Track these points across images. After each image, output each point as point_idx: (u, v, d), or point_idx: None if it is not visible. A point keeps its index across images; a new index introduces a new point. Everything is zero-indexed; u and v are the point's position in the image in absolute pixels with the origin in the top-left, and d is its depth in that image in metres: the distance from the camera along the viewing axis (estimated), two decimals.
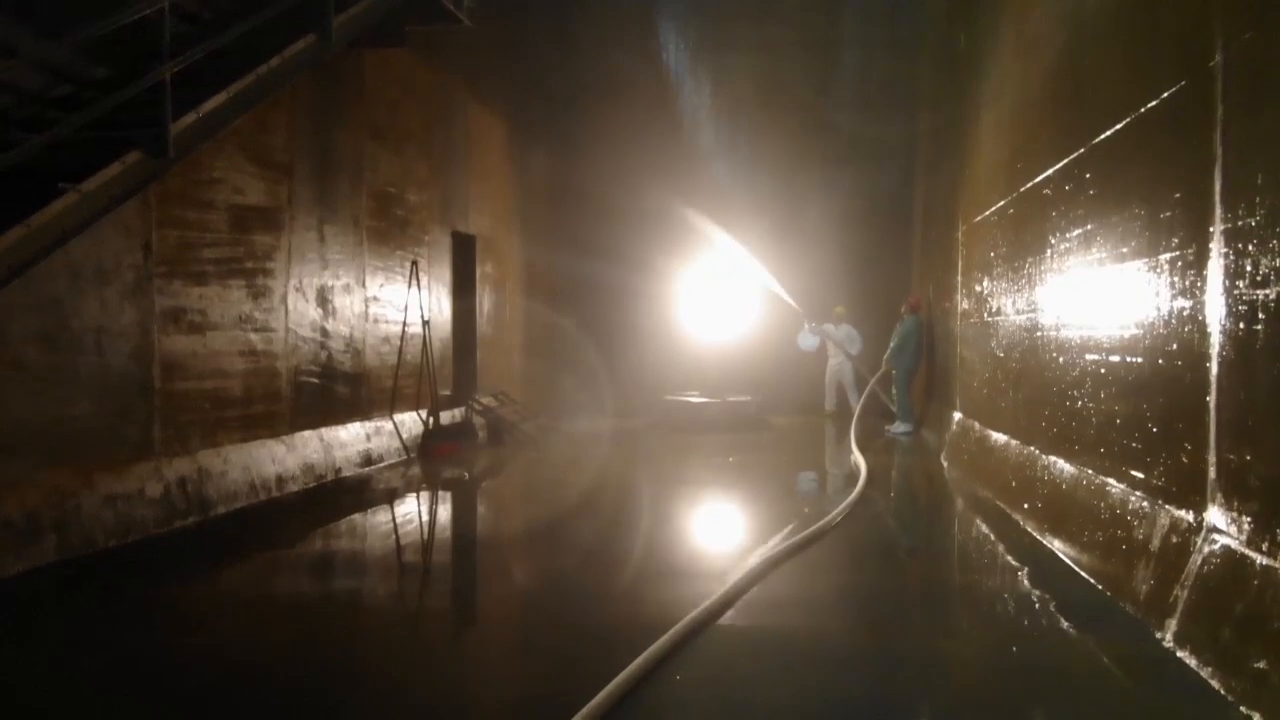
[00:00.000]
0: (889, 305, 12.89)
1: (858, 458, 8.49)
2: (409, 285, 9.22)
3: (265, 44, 5.19)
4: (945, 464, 8.64)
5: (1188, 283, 3.62)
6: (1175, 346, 3.75)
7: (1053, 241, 5.65)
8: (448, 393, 10.13)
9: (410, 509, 7.03)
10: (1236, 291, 3.22)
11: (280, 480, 6.82)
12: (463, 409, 10.28)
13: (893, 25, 13.72)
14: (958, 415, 8.94)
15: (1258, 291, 3.08)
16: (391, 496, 7.24)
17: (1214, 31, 3.44)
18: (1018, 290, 6.60)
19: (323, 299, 7.61)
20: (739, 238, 13.73)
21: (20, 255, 3.40)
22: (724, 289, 14.02)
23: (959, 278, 9.10)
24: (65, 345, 4.92)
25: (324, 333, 7.66)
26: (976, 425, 7.97)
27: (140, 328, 5.49)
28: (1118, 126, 4.46)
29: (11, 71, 4.44)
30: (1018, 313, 6.59)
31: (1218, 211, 3.36)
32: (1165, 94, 3.90)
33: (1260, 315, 3.06)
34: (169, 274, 5.72)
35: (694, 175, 13.95)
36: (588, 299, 13.86)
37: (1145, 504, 4.02)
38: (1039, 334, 5.93)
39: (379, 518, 6.64)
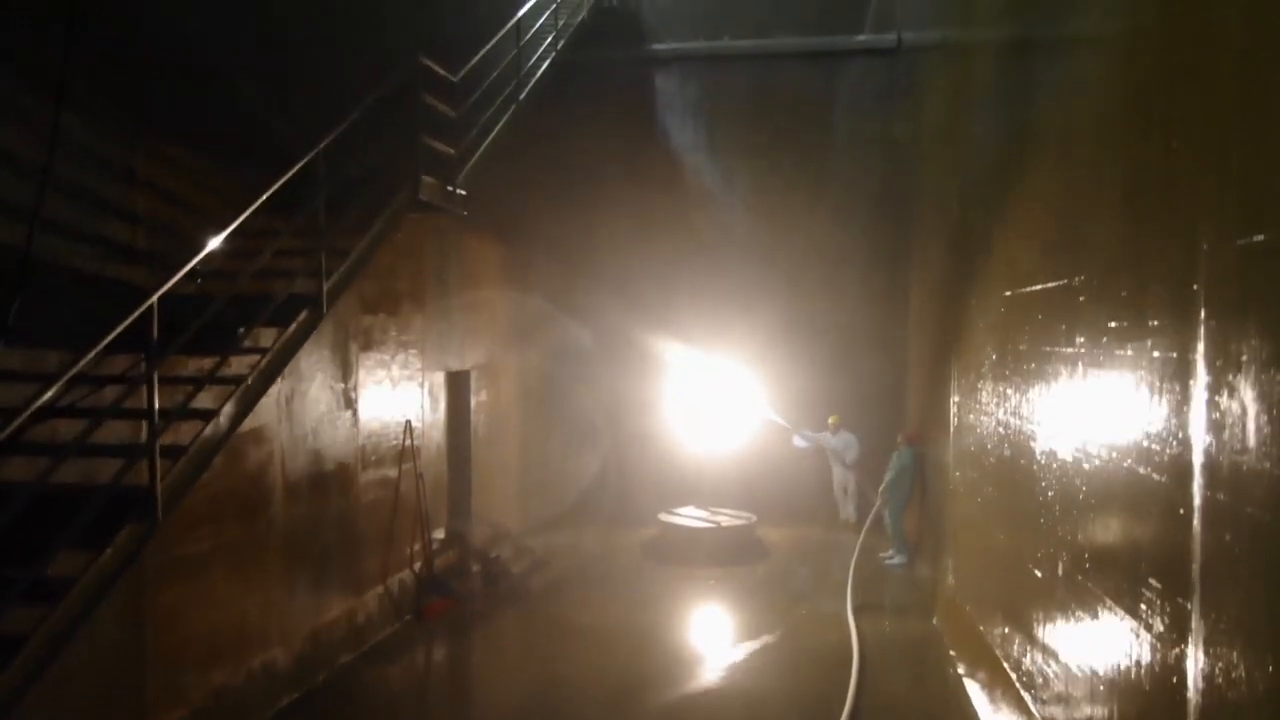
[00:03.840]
0: (885, 410, 13.00)
1: (851, 630, 8.52)
2: (403, 442, 9.24)
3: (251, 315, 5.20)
4: (938, 626, 8.71)
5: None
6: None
7: (1041, 481, 5.67)
8: (441, 535, 10.15)
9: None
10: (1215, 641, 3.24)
11: (273, 695, 6.84)
12: (456, 549, 10.29)
13: (890, 124, 13.75)
14: (951, 580, 8.96)
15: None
16: (382, 701, 7.29)
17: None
18: (1008, 512, 6.63)
19: (317, 488, 7.62)
20: (736, 344, 13.76)
21: (20, 683, 3.41)
22: (721, 395, 14.00)
23: (951, 436, 9.12)
24: None
25: (318, 523, 7.67)
26: (969, 609, 7.99)
27: (132, 592, 5.49)
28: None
29: None
30: (1009, 532, 6.61)
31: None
32: (1156, 354, 3.82)
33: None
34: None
35: (692, 282, 13.97)
36: (585, 409, 13.88)
37: None
38: (1028, 566, 5.95)
39: None
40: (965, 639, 7.84)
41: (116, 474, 3.97)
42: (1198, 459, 3.37)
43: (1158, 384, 3.72)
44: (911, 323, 13.13)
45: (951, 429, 9.10)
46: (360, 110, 5.78)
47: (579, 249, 13.96)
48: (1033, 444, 5.80)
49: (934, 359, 10.46)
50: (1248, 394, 2.99)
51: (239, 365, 5.29)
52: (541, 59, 10.21)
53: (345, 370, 8.06)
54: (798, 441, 13.35)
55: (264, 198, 4.80)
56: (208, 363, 5.47)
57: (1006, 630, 6.59)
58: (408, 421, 9.31)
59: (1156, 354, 3.73)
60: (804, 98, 14.15)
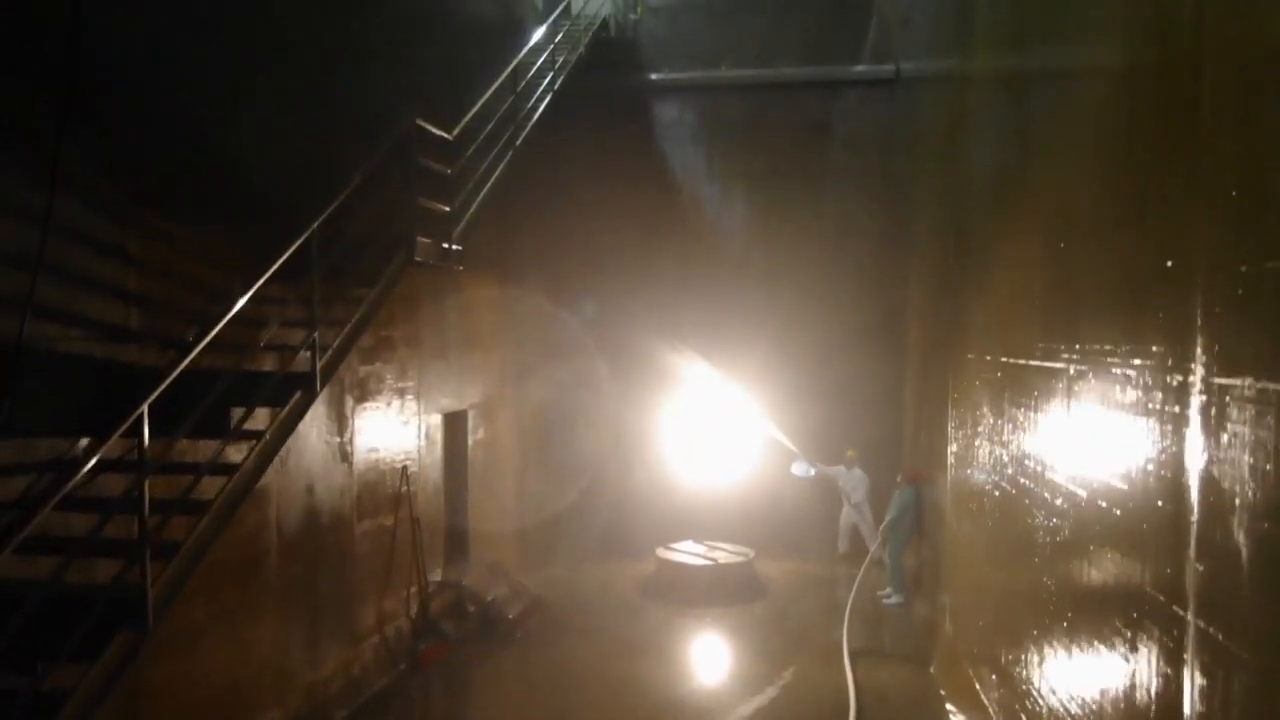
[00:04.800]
0: (884, 442, 12.99)
1: (848, 681, 8.51)
2: (399, 488, 9.22)
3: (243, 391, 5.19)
4: (935, 676, 8.71)
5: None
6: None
7: (1035, 557, 5.65)
8: (438, 577, 10.13)
9: None
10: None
11: None
12: (452, 591, 10.26)
13: (889, 154, 13.74)
14: (948, 627, 8.94)
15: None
16: None
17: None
18: (1003, 572, 6.61)
19: (313, 544, 7.60)
20: (734, 374, 13.75)
21: None
22: (720, 424, 13.99)
23: (948, 484, 9.11)
24: None
25: (314, 578, 7.65)
26: (965, 661, 7.98)
27: None
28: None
29: None
30: (1004, 593, 6.60)
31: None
32: (1153, 490, 3.82)
33: None
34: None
35: (692, 311, 13.94)
36: (584, 441, 13.83)
37: None
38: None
39: None
40: (962, 692, 7.83)
41: (113, 578, 3.95)
42: (1190, 587, 3.36)
43: (1154, 506, 3.70)
44: (910, 357, 13.10)
45: (949, 477, 9.08)
46: (355, 182, 5.75)
47: (577, 278, 13.93)
48: (1030, 520, 5.78)
49: (932, 401, 10.44)
50: (1241, 537, 2.98)
51: (231, 439, 5.28)
52: (539, 100, 10.19)
53: (341, 424, 8.05)
54: (797, 469, 13.30)
55: (252, 291, 4.78)
56: (201, 441, 5.46)
57: (1001, 692, 6.58)
58: (404, 467, 9.30)
59: (1153, 489, 3.72)
60: (803, 127, 14.13)
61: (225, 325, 4.87)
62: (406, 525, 9.32)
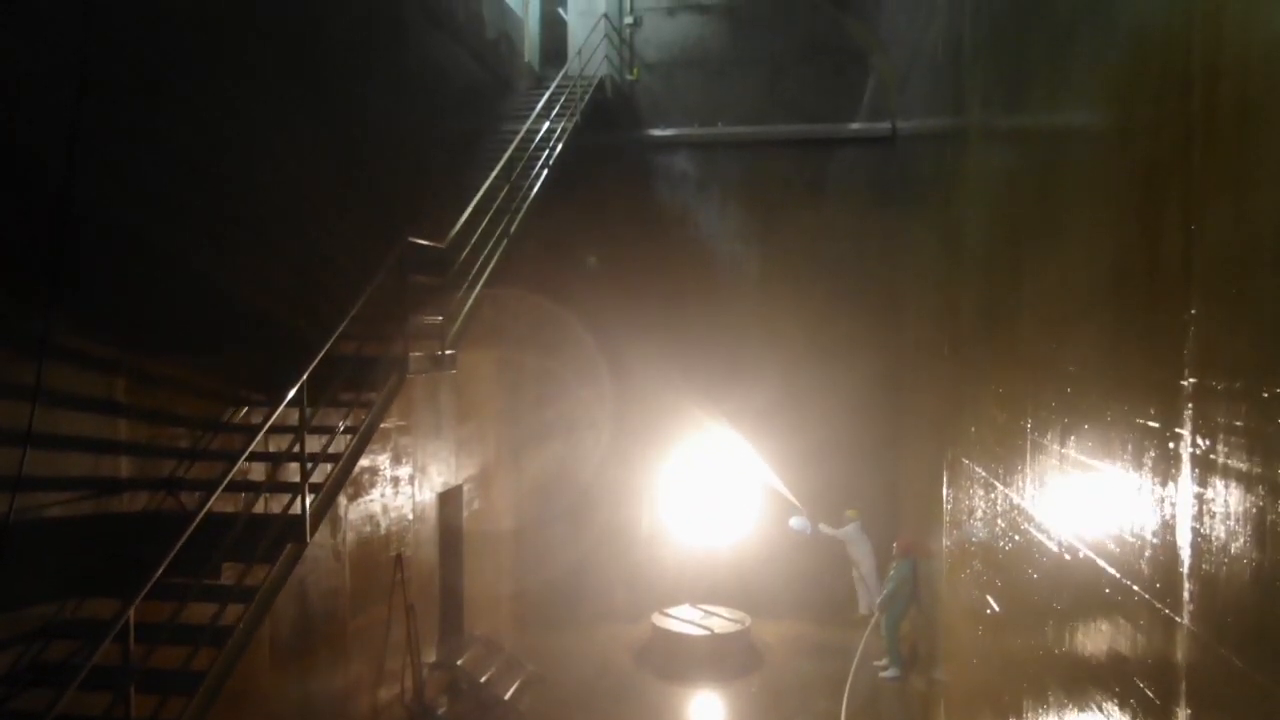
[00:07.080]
0: (882, 504, 12.98)
1: None
2: (394, 576, 9.21)
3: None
4: None
5: None
6: None
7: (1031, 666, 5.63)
8: (432, 658, 10.11)
9: None
10: None
11: None
12: (446, 672, 10.23)
13: (885, 211, 13.73)
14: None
15: None
16: None
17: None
18: (999, 676, 6.59)
19: (306, 650, 7.58)
20: (732, 432, 13.73)
21: None
22: (717, 483, 13.97)
23: (944, 571, 9.09)
24: None
25: (306, 684, 7.63)
26: None
27: None
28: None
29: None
30: (1000, 698, 6.57)
31: None
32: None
33: None
34: None
35: (689, 369, 13.92)
36: (582, 503, 13.81)
37: None
38: None
39: None
40: None
41: None
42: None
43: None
44: (905, 416, 13.08)
45: (945, 565, 9.05)
46: (339, 329, 5.74)
47: (572, 340, 13.92)
48: (1037, 634, 5.76)
49: (928, 481, 10.41)
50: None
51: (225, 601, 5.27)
52: (534, 179, 10.18)
53: (334, 526, 8.03)
54: (794, 524, 13.26)
55: (252, 445, 4.77)
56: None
57: None
58: (398, 555, 9.28)
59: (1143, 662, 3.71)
60: (800, 183, 14.14)
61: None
62: (400, 612, 9.30)
